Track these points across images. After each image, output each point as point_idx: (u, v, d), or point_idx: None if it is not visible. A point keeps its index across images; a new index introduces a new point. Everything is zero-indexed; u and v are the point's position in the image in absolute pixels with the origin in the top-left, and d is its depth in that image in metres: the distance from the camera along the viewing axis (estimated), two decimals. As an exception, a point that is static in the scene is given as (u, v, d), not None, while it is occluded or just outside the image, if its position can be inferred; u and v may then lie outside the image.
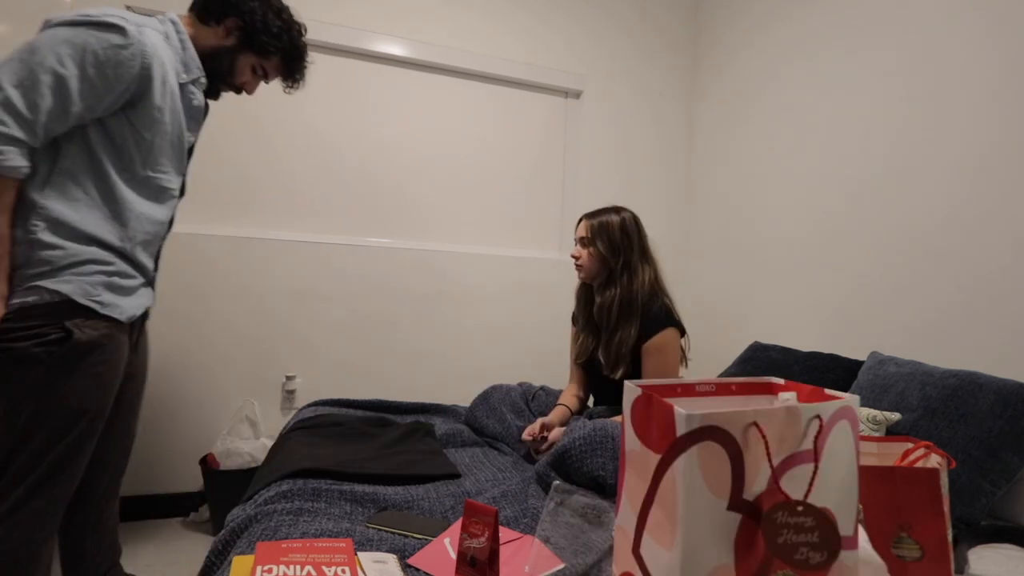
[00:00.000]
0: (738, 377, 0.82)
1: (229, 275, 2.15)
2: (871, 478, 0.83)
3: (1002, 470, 1.25)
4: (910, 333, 1.79)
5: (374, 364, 2.38)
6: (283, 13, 1.35)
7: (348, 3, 2.34)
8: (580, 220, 1.75)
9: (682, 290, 2.81)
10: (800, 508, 0.59)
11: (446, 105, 2.54)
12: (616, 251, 1.67)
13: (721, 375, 2.09)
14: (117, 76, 1.10)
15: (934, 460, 0.88)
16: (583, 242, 1.72)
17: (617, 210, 1.72)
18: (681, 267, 2.88)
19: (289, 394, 2.26)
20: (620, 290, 1.65)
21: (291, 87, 1.45)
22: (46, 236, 1.10)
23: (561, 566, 0.92)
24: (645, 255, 1.71)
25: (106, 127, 1.16)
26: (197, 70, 1.27)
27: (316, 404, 1.96)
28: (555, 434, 1.56)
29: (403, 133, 2.46)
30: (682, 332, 1.66)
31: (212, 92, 1.38)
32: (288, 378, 2.25)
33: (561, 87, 2.72)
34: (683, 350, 1.69)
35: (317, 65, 2.32)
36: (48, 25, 1.12)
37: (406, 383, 2.41)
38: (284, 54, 1.36)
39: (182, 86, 1.25)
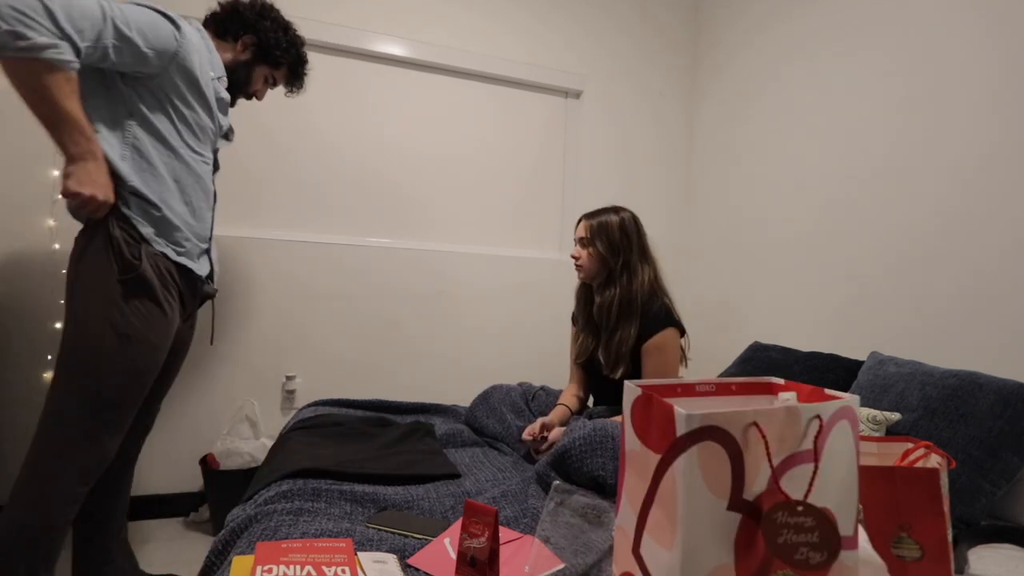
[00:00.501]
0: (738, 377, 0.82)
1: (229, 275, 2.15)
2: (871, 478, 0.83)
3: (1002, 470, 1.25)
4: (910, 333, 1.79)
5: (374, 364, 2.38)
6: (288, 30, 1.54)
7: (348, 3, 2.34)
8: (580, 220, 1.76)
9: (682, 290, 2.81)
10: (800, 508, 0.59)
11: (446, 105, 2.54)
12: (615, 251, 1.67)
13: (721, 375, 2.09)
14: (158, 44, 1.23)
15: (934, 460, 0.88)
16: (582, 242, 1.72)
17: (616, 210, 1.72)
18: (681, 267, 2.88)
19: (289, 394, 2.26)
20: (620, 290, 1.66)
21: (293, 92, 1.66)
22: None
23: (561, 566, 0.92)
24: (644, 255, 1.71)
25: (154, 118, 1.29)
26: (222, 71, 1.43)
27: (316, 404, 1.96)
28: (555, 434, 1.56)
29: (403, 133, 2.46)
30: (682, 332, 1.66)
31: (230, 102, 1.52)
32: (288, 378, 2.25)
33: (561, 87, 2.72)
34: (683, 350, 1.69)
35: (318, 65, 2.32)
36: None
37: (406, 383, 2.41)
38: (291, 65, 1.56)
39: (213, 79, 1.40)
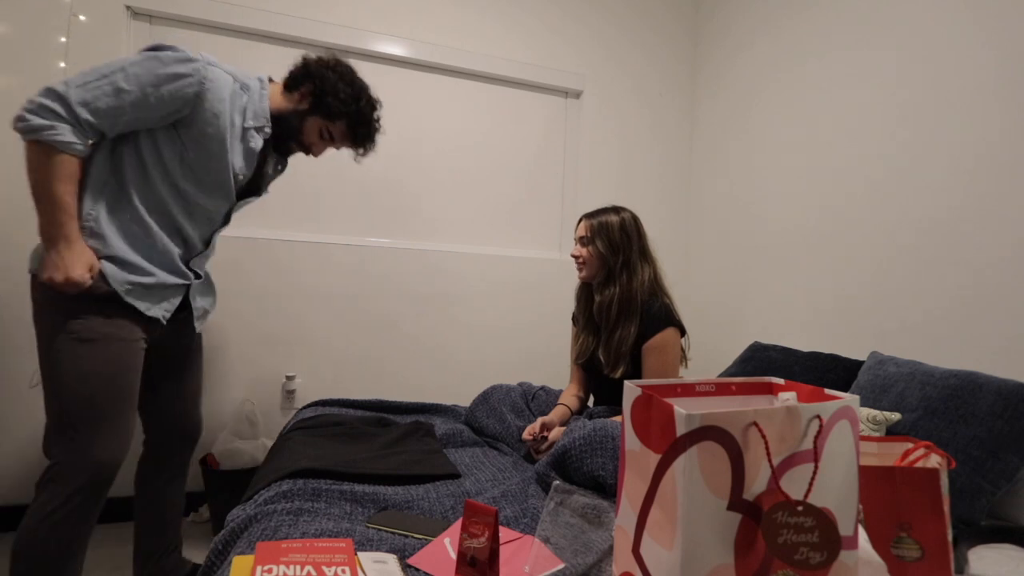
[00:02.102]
0: (738, 377, 0.82)
1: (228, 275, 2.15)
2: (871, 478, 0.83)
3: (1002, 470, 1.25)
4: (910, 333, 1.79)
5: (374, 364, 2.38)
6: (355, 84, 1.49)
7: (348, 3, 2.34)
8: (580, 220, 1.76)
9: (682, 290, 2.81)
10: (800, 508, 0.59)
11: (446, 105, 2.54)
12: (615, 250, 1.68)
13: (721, 375, 2.09)
14: (172, 95, 1.26)
15: (934, 460, 0.88)
16: (583, 241, 1.73)
17: (617, 210, 1.73)
18: (681, 267, 2.88)
19: (289, 394, 2.26)
20: (619, 289, 1.66)
21: (360, 155, 1.61)
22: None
23: (561, 566, 0.92)
24: (644, 254, 1.72)
25: (156, 139, 1.31)
26: (264, 120, 1.42)
27: (316, 404, 1.96)
28: (555, 434, 1.56)
29: (403, 133, 2.46)
30: (682, 332, 1.66)
31: (283, 150, 1.55)
32: (288, 378, 2.25)
33: (561, 87, 2.72)
34: (683, 350, 1.70)
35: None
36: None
37: (406, 383, 2.41)
38: (350, 119, 1.49)
39: (245, 128, 1.40)
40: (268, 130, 1.44)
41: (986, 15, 1.63)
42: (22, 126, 1.16)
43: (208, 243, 1.50)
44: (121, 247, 1.29)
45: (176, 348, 1.53)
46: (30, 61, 1.94)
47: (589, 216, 1.74)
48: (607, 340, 1.68)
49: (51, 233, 1.20)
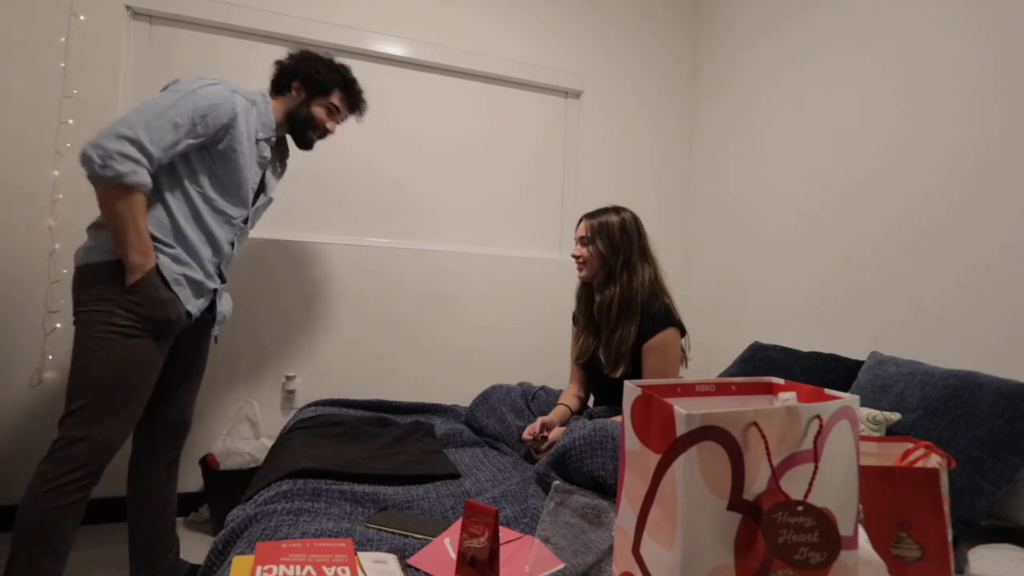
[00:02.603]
0: (738, 377, 0.82)
1: (229, 275, 2.15)
2: (871, 478, 0.83)
3: (1002, 470, 1.25)
4: (910, 333, 1.79)
5: (374, 364, 2.38)
6: (323, 60, 1.67)
7: (348, 3, 2.34)
8: (580, 220, 1.76)
9: (682, 289, 2.81)
10: (800, 508, 0.59)
11: (446, 105, 2.54)
12: (616, 250, 1.68)
13: (721, 375, 2.09)
14: (215, 122, 1.44)
15: (934, 460, 0.88)
16: (583, 241, 1.73)
17: (617, 210, 1.73)
18: (681, 267, 2.88)
19: (289, 394, 2.26)
20: (620, 289, 1.66)
21: (360, 115, 1.79)
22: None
23: (561, 566, 0.92)
24: (645, 254, 1.72)
25: (188, 155, 1.46)
26: (271, 131, 1.60)
27: (316, 404, 1.96)
28: (555, 433, 1.56)
29: (403, 133, 2.46)
30: (683, 332, 1.67)
31: (305, 143, 1.71)
32: (288, 378, 2.25)
33: (561, 87, 2.72)
34: (684, 350, 1.70)
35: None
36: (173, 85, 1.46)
37: (406, 383, 2.41)
38: (340, 86, 1.68)
39: (258, 141, 1.57)
40: (274, 139, 1.62)
41: (986, 15, 1.63)
42: (110, 174, 1.29)
43: (233, 245, 1.62)
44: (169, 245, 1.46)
45: (191, 350, 1.63)
46: (30, 61, 1.94)
47: (589, 216, 1.74)
48: (607, 340, 1.68)
49: (141, 262, 1.36)
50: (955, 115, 1.70)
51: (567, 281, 2.03)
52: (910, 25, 1.85)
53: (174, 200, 1.45)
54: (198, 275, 1.49)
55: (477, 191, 2.60)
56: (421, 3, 2.46)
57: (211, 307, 1.60)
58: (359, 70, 2.39)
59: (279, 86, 1.64)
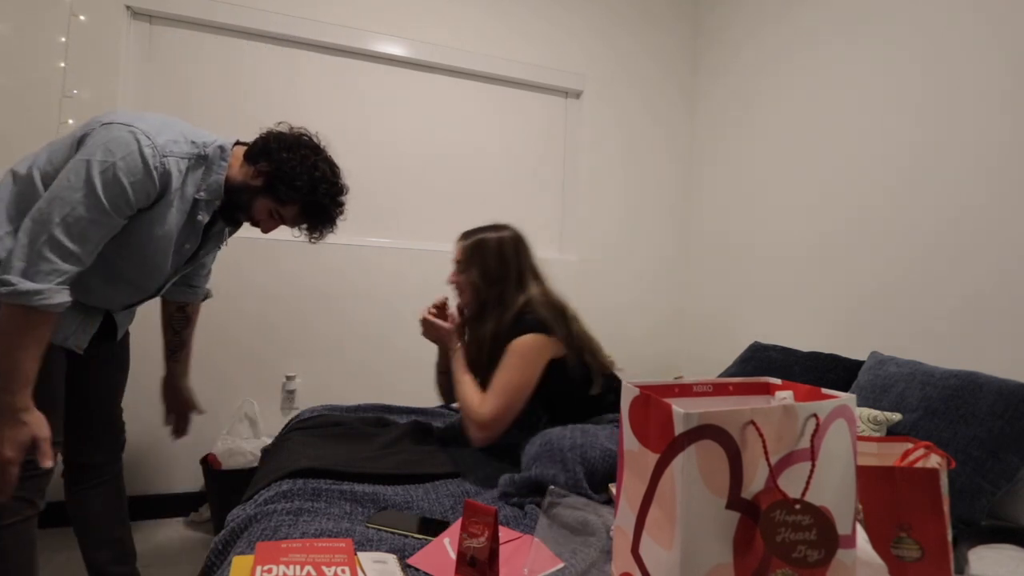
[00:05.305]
0: (737, 377, 0.82)
1: (229, 276, 2.15)
2: (871, 478, 0.83)
3: (1002, 470, 1.25)
4: (910, 333, 1.78)
5: (374, 364, 2.38)
6: (315, 170, 1.38)
7: (348, 3, 2.34)
8: (457, 239, 1.60)
9: (682, 290, 2.81)
10: (798, 506, 0.59)
11: (446, 105, 2.54)
12: (490, 281, 1.49)
13: (721, 375, 2.09)
14: (137, 200, 1.20)
15: (934, 460, 0.88)
16: (458, 267, 1.55)
17: (497, 228, 1.56)
18: (682, 266, 2.88)
19: (289, 394, 2.26)
20: (493, 324, 1.48)
21: (314, 239, 1.51)
22: None
23: (561, 566, 0.92)
24: (523, 282, 1.51)
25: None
26: (216, 194, 1.35)
27: (315, 409, 1.96)
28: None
29: (403, 133, 2.46)
30: (574, 346, 1.44)
31: (232, 220, 1.45)
32: (288, 378, 2.25)
33: (561, 87, 2.72)
34: (605, 365, 1.50)
35: (318, 65, 2.33)
36: (90, 130, 1.19)
37: (406, 384, 2.40)
38: (303, 207, 1.41)
39: (196, 200, 1.34)
40: (218, 203, 1.38)
41: (993, 9, 1.63)
42: (5, 291, 1.07)
43: (128, 307, 1.44)
44: None
45: (95, 355, 1.43)
46: (30, 61, 1.94)
47: (466, 236, 1.56)
48: (483, 383, 1.47)
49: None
50: (958, 115, 1.70)
51: (567, 281, 2.02)
52: (915, 20, 1.84)
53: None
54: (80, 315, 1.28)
55: (477, 191, 2.60)
56: (421, 3, 2.46)
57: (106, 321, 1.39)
58: (359, 70, 2.44)
59: (251, 155, 1.38)
